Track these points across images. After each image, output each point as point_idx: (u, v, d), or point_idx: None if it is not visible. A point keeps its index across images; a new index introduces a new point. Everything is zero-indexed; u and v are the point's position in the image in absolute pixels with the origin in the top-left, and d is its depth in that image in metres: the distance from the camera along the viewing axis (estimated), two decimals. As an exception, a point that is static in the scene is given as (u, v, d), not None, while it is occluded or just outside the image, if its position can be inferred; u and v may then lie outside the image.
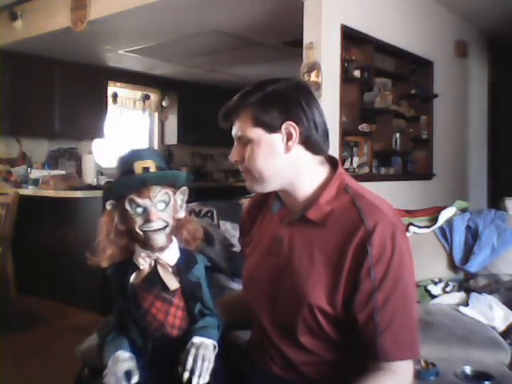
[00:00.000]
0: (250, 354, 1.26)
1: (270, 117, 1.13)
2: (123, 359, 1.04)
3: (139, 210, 1.06)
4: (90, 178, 4.77)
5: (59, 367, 2.68)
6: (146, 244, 1.08)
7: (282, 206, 1.22)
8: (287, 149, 1.14)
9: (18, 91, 5.19)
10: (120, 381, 1.00)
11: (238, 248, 2.30)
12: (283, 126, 1.13)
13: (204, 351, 1.01)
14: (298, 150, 1.15)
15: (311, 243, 1.12)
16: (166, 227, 1.08)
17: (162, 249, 1.08)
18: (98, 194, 3.87)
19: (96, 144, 6.10)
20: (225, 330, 1.13)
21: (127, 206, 1.06)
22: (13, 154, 5.34)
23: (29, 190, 4.26)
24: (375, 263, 1.04)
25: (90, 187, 4.26)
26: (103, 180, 5.06)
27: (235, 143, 1.18)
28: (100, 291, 3.69)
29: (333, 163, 1.20)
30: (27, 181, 4.56)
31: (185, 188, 1.13)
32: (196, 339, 1.04)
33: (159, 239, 1.07)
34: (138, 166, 1.08)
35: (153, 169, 1.09)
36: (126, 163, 1.10)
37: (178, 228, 1.12)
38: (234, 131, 1.17)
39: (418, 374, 1.57)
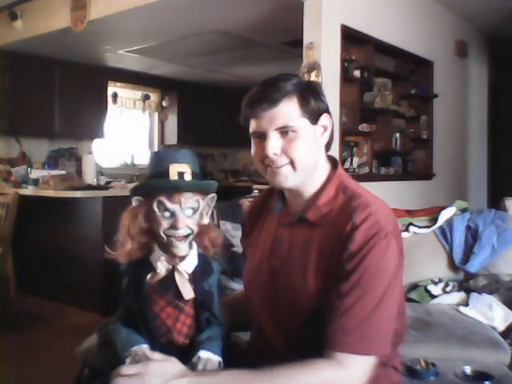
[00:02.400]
0: (250, 354, 1.25)
1: (313, 107, 1.11)
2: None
3: (167, 213, 1.04)
4: (89, 177, 4.77)
5: (59, 367, 2.68)
6: (167, 249, 1.06)
7: (284, 207, 1.21)
8: (322, 141, 1.14)
9: (18, 91, 5.19)
10: None
11: (237, 248, 2.30)
12: (322, 118, 1.12)
13: (211, 369, 1.01)
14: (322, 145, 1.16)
15: (309, 244, 1.11)
16: (190, 235, 1.06)
17: (182, 258, 1.07)
18: (98, 194, 3.88)
19: (96, 144, 6.10)
20: (227, 335, 1.13)
21: (155, 208, 1.04)
22: (13, 153, 5.34)
23: (29, 190, 4.25)
24: (351, 256, 1.03)
25: (89, 187, 4.25)
26: (103, 180, 5.06)
27: (272, 135, 1.08)
28: (100, 291, 3.68)
29: (332, 162, 1.20)
30: (27, 181, 4.55)
31: (214, 195, 1.11)
32: (203, 354, 1.03)
33: (181, 248, 1.06)
34: (174, 170, 1.05)
35: (188, 174, 1.06)
36: (162, 163, 1.07)
37: (199, 234, 1.10)
38: (272, 122, 1.08)
39: (418, 374, 1.58)
